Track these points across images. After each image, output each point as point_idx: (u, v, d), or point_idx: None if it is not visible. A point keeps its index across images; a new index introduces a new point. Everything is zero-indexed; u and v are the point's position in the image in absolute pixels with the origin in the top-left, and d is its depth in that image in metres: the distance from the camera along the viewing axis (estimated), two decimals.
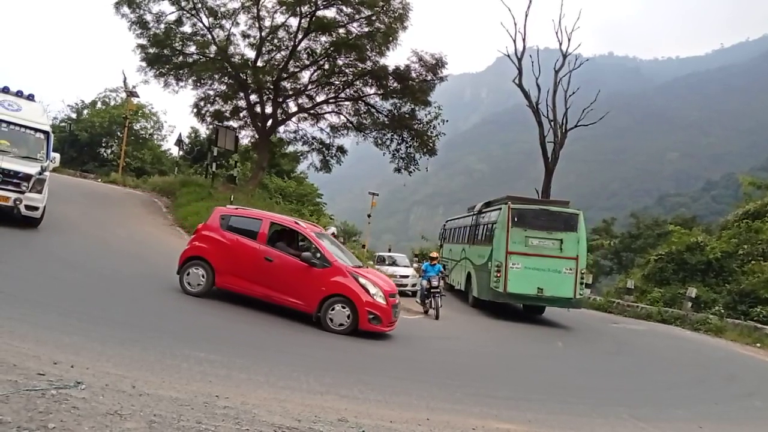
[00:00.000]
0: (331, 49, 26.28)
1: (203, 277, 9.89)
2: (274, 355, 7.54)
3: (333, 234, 14.30)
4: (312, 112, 29.00)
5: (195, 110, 28.92)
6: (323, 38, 26.48)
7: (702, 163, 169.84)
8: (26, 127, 12.20)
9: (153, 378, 5.17)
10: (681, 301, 22.01)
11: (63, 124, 39.99)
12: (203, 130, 37.23)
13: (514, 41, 31.50)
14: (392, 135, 27.96)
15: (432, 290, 14.62)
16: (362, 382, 6.73)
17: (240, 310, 9.86)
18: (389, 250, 31.12)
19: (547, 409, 7.14)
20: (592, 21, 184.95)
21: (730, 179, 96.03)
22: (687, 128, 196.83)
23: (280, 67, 26.88)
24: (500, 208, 16.33)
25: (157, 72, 26.62)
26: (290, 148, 34.03)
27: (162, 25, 25.80)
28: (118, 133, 40.08)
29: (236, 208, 10.91)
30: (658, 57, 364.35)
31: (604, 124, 35.89)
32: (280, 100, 28.07)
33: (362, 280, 9.66)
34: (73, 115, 41.84)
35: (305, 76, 28.21)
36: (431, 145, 27.65)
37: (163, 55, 26.26)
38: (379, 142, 28.26)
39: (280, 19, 26.25)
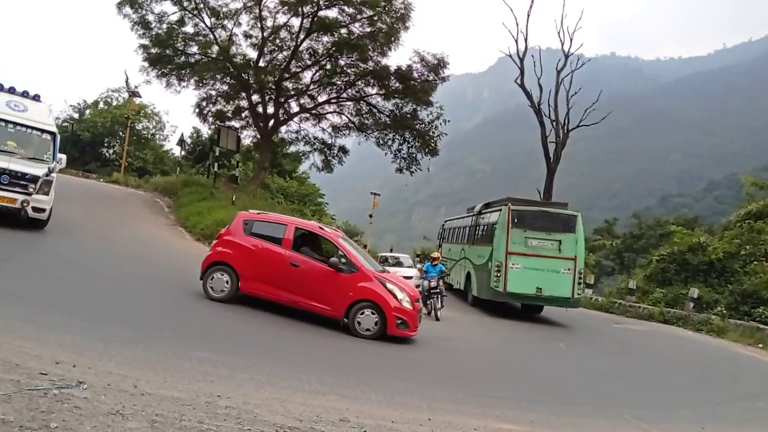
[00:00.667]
0: (333, 49, 26.32)
1: (227, 282, 9.80)
2: (275, 354, 7.54)
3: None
4: (314, 112, 29.04)
5: (197, 110, 29.02)
6: (325, 38, 26.53)
7: (704, 164, 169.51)
8: (33, 128, 12.06)
9: (155, 378, 5.17)
10: (683, 301, 21.97)
11: (65, 124, 40.08)
12: (205, 130, 37.39)
13: (516, 41, 31.49)
14: (394, 135, 28.00)
15: (431, 291, 14.59)
16: (364, 383, 6.73)
17: (241, 311, 9.86)
18: (391, 250, 31.09)
19: (549, 409, 7.13)
20: (594, 21, 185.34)
21: (732, 180, 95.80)
22: (689, 128, 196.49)
23: (282, 67, 26.92)
24: (500, 210, 16.55)
25: (159, 72, 26.70)
26: (292, 148, 34.15)
27: (164, 26, 25.90)
28: (120, 133, 40.17)
29: (259, 213, 10.83)
30: (661, 57, 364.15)
31: (606, 125, 35.82)
32: (282, 100, 28.11)
33: (389, 285, 9.68)
34: (76, 115, 41.97)
35: (307, 76, 28.31)
36: (433, 145, 27.68)
37: (165, 55, 26.32)
38: (381, 142, 28.31)
39: (282, 19, 26.37)
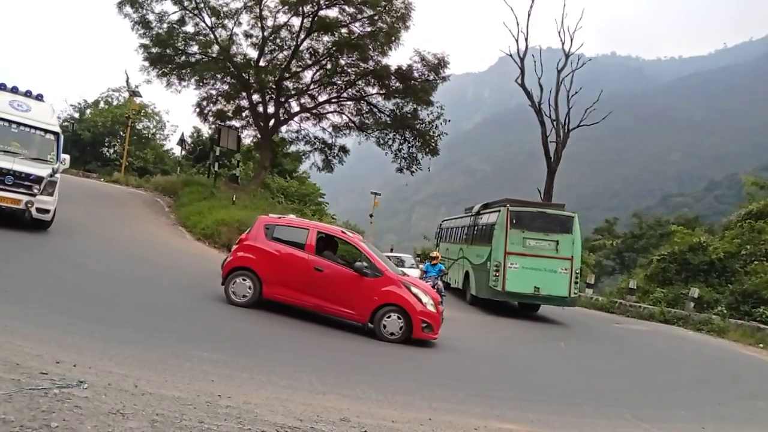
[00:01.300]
0: (334, 48, 26.31)
1: (250, 288, 9.74)
2: (276, 354, 7.54)
3: None
4: (314, 111, 29.03)
5: (197, 110, 29.00)
6: (325, 38, 26.51)
7: (705, 163, 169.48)
8: (36, 128, 11.98)
9: (155, 377, 5.17)
10: (683, 301, 21.97)
11: (66, 123, 40.13)
12: (206, 130, 37.42)
13: (517, 41, 31.49)
14: (394, 135, 27.99)
15: None
16: (364, 382, 6.73)
17: (242, 311, 9.86)
18: (391, 250, 31.12)
19: (549, 409, 7.13)
20: (594, 21, 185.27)
21: (733, 179, 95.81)
22: (690, 128, 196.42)
23: (283, 66, 26.91)
24: (499, 210, 16.82)
25: (160, 72, 26.68)
26: (292, 148, 34.16)
27: (164, 25, 25.88)
28: (121, 133, 40.24)
29: (279, 217, 10.81)
30: (661, 57, 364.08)
31: (606, 124, 35.79)
32: (283, 99, 28.10)
33: (414, 289, 9.74)
34: (76, 115, 42.04)
35: (307, 75, 28.28)
36: (433, 144, 27.67)
37: (165, 54, 26.31)
38: (382, 141, 28.29)
39: (282, 18, 26.34)
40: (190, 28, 26.52)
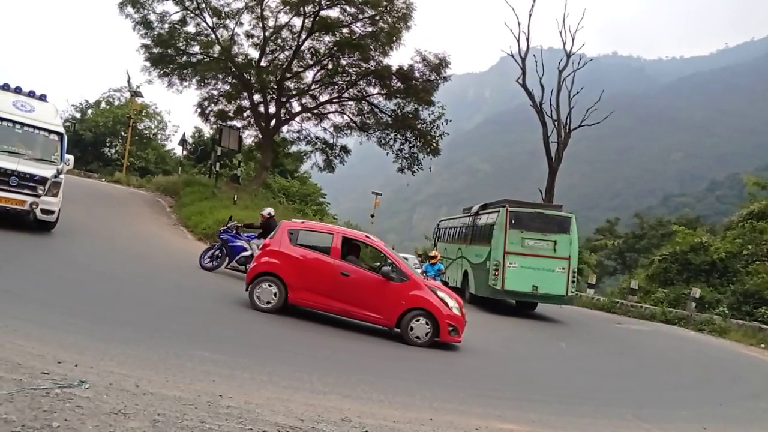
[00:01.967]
0: (335, 48, 26.32)
1: (275, 293, 9.71)
2: (277, 354, 7.55)
3: (269, 215, 14.18)
4: (315, 111, 29.04)
5: (199, 110, 29.03)
6: (327, 38, 26.53)
7: (706, 164, 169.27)
8: (40, 129, 11.88)
9: (157, 377, 5.18)
10: (685, 301, 21.94)
11: (67, 123, 40.11)
12: (207, 130, 37.42)
13: (518, 41, 31.50)
14: (395, 135, 27.99)
15: None
16: (365, 382, 6.73)
17: (242, 311, 9.87)
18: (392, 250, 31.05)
19: (550, 409, 7.13)
20: (595, 21, 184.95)
21: (734, 179, 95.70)
22: (691, 128, 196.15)
23: (284, 66, 26.94)
24: (498, 211, 17.06)
25: (161, 72, 26.71)
26: (294, 148, 34.15)
27: (166, 25, 25.91)
28: (122, 133, 40.29)
29: (302, 222, 10.87)
30: (662, 57, 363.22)
31: (607, 124, 35.81)
32: (284, 99, 28.12)
33: (441, 294, 9.83)
34: (78, 115, 42.08)
35: (309, 75, 28.31)
36: (434, 145, 27.67)
37: (167, 54, 26.34)
38: (383, 141, 28.30)
39: (283, 18, 26.36)
40: (191, 29, 26.60)
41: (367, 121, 28.26)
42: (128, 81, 40.13)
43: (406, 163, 28.30)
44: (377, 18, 25.10)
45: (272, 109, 28.07)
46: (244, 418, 4.39)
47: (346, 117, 28.95)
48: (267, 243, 10.19)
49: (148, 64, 26.37)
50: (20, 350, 4.93)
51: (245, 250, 13.36)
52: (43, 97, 12.58)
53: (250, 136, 30.81)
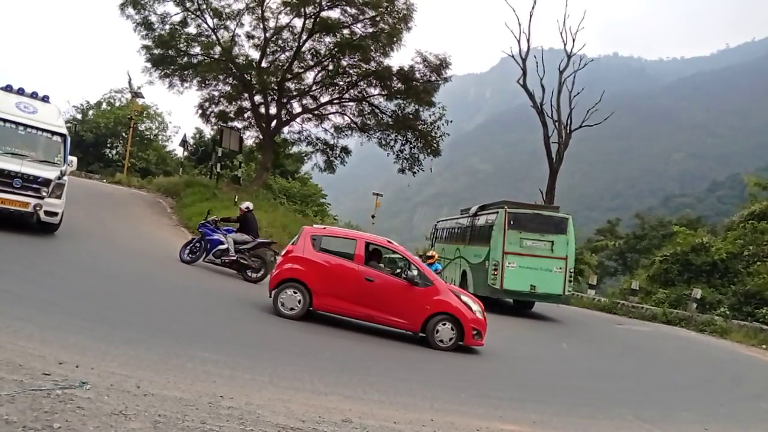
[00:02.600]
0: (336, 49, 26.33)
1: (300, 300, 9.69)
2: (278, 355, 7.55)
3: (247, 209, 14.23)
4: (316, 112, 29.05)
5: (199, 111, 29.06)
6: (327, 39, 26.54)
7: (707, 164, 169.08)
8: (43, 130, 11.85)
9: (157, 378, 5.18)
10: (686, 302, 21.91)
11: (68, 124, 40.01)
12: (208, 131, 37.44)
13: (519, 42, 31.50)
14: (396, 135, 27.99)
15: None
16: (366, 383, 6.73)
17: (243, 311, 9.88)
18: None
19: (551, 410, 7.13)
20: (596, 21, 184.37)
21: (735, 180, 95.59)
22: (692, 128, 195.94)
23: (285, 67, 26.95)
24: (497, 212, 17.39)
25: (162, 73, 26.73)
26: (294, 149, 34.19)
27: (167, 26, 25.93)
28: (123, 134, 40.31)
29: (323, 228, 10.89)
30: (663, 57, 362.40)
31: (608, 125, 35.82)
32: (285, 100, 28.13)
33: (464, 298, 9.97)
34: (79, 116, 42.05)
35: (309, 76, 28.31)
36: (435, 145, 27.68)
37: (167, 56, 26.36)
38: (383, 142, 28.31)
39: (284, 20, 26.39)
40: (192, 30, 26.62)
41: (368, 121, 28.28)
42: (129, 82, 40.16)
43: (407, 164, 28.30)
44: (378, 19, 25.12)
45: (273, 110, 28.09)
46: (245, 418, 4.40)
47: (346, 118, 28.99)
48: (289, 249, 10.10)
49: (149, 65, 26.41)
50: (21, 351, 4.94)
51: (221, 243, 13.44)
52: (45, 99, 12.54)
53: (250, 137, 30.86)
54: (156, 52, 26.07)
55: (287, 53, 27.24)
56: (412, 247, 51.78)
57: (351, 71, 27.21)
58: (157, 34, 25.75)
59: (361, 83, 27.38)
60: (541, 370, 10.42)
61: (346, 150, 30.00)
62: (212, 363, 6.13)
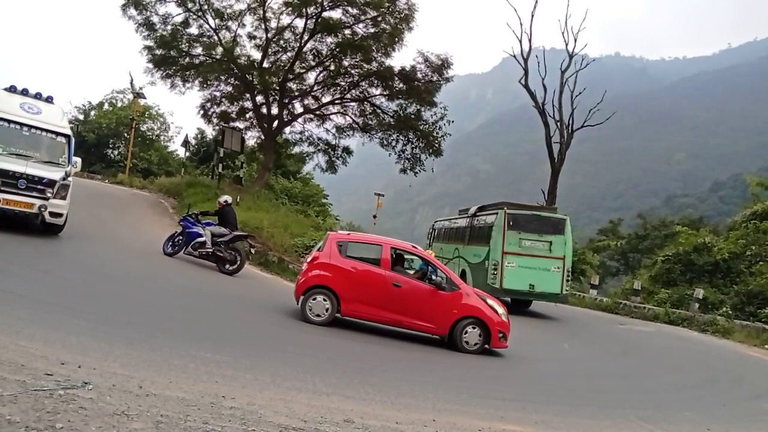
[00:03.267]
0: (337, 50, 26.32)
1: (328, 307, 9.71)
2: (279, 356, 7.56)
3: (225, 202, 14.48)
4: (318, 113, 29.04)
5: (201, 111, 29.07)
6: (329, 39, 26.53)
7: (709, 164, 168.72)
8: (47, 131, 11.84)
9: (160, 378, 5.19)
10: (688, 302, 21.89)
11: (70, 125, 40.11)
12: (209, 131, 37.40)
13: (520, 42, 31.52)
14: (398, 136, 27.97)
15: None
16: (368, 383, 6.74)
17: (244, 311, 9.88)
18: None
19: (553, 410, 7.13)
20: (598, 21, 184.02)
21: (737, 180, 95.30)
22: (694, 128, 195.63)
23: (286, 68, 26.95)
24: (497, 213, 17.72)
25: (164, 73, 26.74)
26: (296, 149, 34.13)
27: (168, 27, 25.93)
28: (125, 135, 40.31)
29: (348, 234, 11.01)
30: (665, 57, 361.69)
31: (610, 125, 35.82)
32: (286, 101, 28.13)
33: (490, 301, 10.08)
34: (80, 117, 42.05)
35: (311, 77, 28.28)
36: (437, 145, 27.65)
37: (169, 56, 26.37)
38: (385, 142, 28.28)
39: (286, 20, 26.35)
40: (194, 30, 26.62)
41: (370, 122, 28.26)
42: (131, 82, 40.19)
43: (409, 164, 28.28)
44: (379, 19, 25.10)
45: (274, 111, 28.10)
46: (246, 419, 4.41)
47: (348, 118, 28.97)
48: (316, 255, 10.13)
49: (150, 65, 26.42)
50: (24, 351, 4.95)
51: (200, 236, 13.72)
52: (49, 99, 12.55)
53: (252, 138, 30.89)
54: (158, 52, 26.09)
55: (289, 53, 27.25)
56: None
57: (352, 71, 27.20)
58: (158, 34, 25.77)
59: (363, 83, 27.37)
60: (543, 371, 10.41)
61: (347, 150, 29.99)
62: (214, 363, 6.14)
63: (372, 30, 25.48)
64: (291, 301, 10.38)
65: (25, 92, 12.20)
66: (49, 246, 11.67)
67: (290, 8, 25.37)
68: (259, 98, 27.92)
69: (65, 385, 4.17)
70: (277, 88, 27.01)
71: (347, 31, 25.85)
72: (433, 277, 10.01)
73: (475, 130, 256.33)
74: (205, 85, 27.87)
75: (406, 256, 10.91)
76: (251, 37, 27.31)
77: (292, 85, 28.19)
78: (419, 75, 26.21)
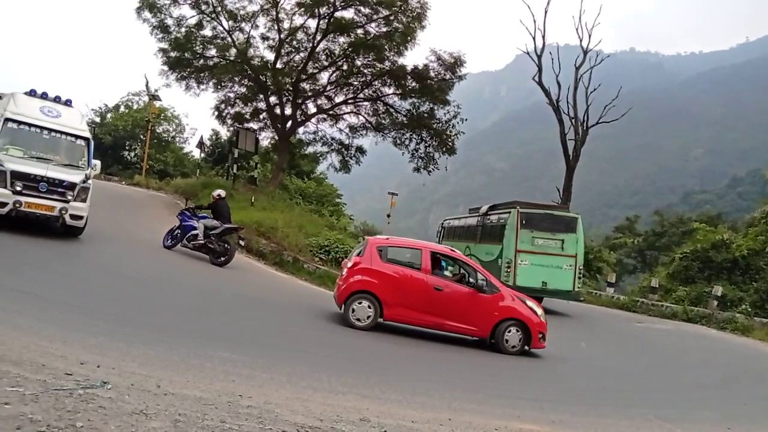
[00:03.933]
0: (350, 49, 26.34)
1: (370, 313, 9.77)
2: (295, 355, 7.58)
3: (218, 196, 14.83)
4: (331, 112, 29.09)
5: (216, 113, 29.25)
6: (341, 39, 26.56)
7: (727, 160, 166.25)
8: (67, 134, 11.94)
9: (177, 378, 5.23)
10: (707, 299, 21.61)
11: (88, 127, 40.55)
12: (224, 132, 37.60)
13: (534, 38, 31.24)
14: (411, 134, 27.92)
15: None
16: (383, 382, 6.74)
17: (258, 311, 9.92)
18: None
19: (570, 410, 7.07)
20: (612, 16, 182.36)
21: (756, 175, 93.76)
22: (712, 124, 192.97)
23: (299, 68, 27.03)
24: (509, 212, 17.97)
25: (179, 75, 26.95)
26: (310, 149, 34.21)
27: (183, 29, 26.13)
28: (141, 136, 40.67)
29: (386, 239, 11.04)
30: (681, 52, 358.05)
31: (626, 121, 35.35)
32: (300, 101, 28.21)
33: (529, 303, 10.20)
34: (97, 119, 42.55)
35: (324, 77, 28.35)
36: (450, 144, 27.56)
37: (184, 58, 26.57)
38: (398, 141, 28.25)
39: (298, 20, 26.41)
40: (207, 32, 26.78)
41: (383, 121, 28.24)
42: (146, 85, 40.54)
43: (422, 163, 28.21)
44: (392, 18, 25.07)
45: (288, 111, 28.20)
46: (263, 417, 4.42)
47: (361, 117, 28.97)
48: (357, 261, 10.15)
49: (165, 67, 26.64)
50: (44, 351, 5.02)
51: (194, 229, 14.17)
52: (68, 102, 12.67)
53: (266, 138, 30.98)
54: (172, 54, 26.30)
55: (302, 54, 27.32)
56: None
57: (365, 71, 27.20)
58: (173, 37, 25.97)
59: (376, 83, 27.36)
60: (560, 370, 10.34)
61: (361, 150, 30.00)
62: (231, 363, 6.18)
63: (384, 29, 25.46)
64: (306, 301, 10.44)
65: (44, 96, 12.30)
66: (68, 247, 11.81)
67: (303, 9, 25.44)
68: (273, 99, 28.03)
69: (85, 385, 4.21)
70: (291, 88, 27.10)
71: (360, 31, 25.86)
72: (473, 280, 10.05)
73: (489, 128, 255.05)
74: (219, 87, 28.05)
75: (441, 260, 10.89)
76: (264, 38, 27.43)
77: (305, 86, 28.27)
78: (432, 73, 26.13)
